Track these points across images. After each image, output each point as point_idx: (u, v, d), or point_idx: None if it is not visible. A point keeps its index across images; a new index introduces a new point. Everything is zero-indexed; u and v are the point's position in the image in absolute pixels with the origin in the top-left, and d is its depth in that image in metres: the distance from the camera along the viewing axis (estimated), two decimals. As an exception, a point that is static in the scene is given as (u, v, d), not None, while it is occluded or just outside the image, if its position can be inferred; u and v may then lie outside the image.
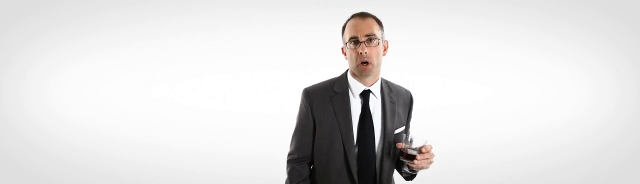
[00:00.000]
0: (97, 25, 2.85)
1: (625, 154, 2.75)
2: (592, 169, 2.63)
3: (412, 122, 1.17)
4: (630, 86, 2.88)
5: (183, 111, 2.94)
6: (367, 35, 0.96)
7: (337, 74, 1.11)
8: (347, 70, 1.08)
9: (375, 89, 1.04)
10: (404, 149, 0.95)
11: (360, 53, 0.96)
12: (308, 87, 1.09)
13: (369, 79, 1.03)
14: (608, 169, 2.62)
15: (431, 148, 0.95)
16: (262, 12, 2.87)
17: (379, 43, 0.98)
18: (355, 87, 1.03)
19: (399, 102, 1.08)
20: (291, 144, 1.11)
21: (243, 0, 2.86)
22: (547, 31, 2.90)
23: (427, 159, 0.94)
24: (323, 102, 1.04)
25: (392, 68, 2.56)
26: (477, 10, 2.88)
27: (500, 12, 2.88)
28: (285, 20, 2.87)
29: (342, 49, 1.06)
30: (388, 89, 1.08)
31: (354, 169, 1.01)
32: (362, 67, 0.98)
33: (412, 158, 0.93)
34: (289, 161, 1.10)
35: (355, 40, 0.97)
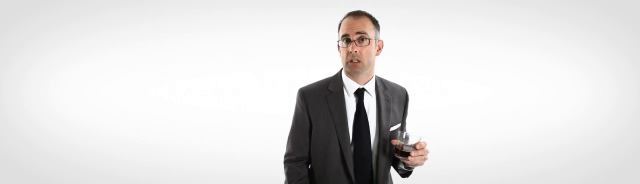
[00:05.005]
0: (97, 25, 2.86)
1: (625, 154, 2.75)
2: (592, 169, 2.62)
3: (409, 120, 1.18)
4: (630, 86, 2.88)
5: (183, 111, 2.94)
6: (358, 34, 0.96)
7: (336, 73, 1.11)
8: (342, 69, 1.08)
9: (370, 87, 1.05)
10: (399, 146, 0.96)
11: (350, 52, 0.97)
12: (303, 87, 1.09)
13: (363, 78, 1.03)
14: (608, 169, 2.62)
15: (426, 145, 0.96)
16: (262, 12, 2.87)
17: (370, 42, 0.98)
18: (350, 85, 1.04)
19: (394, 99, 1.08)
20: (287, 144, 1.11)
21: (243, 0, 2.86)
22: (547, 31, 2.90)
23: (421, 155, 0.95)
24: (318, 102, 1.04)
25: (392, 68, 2.57)
26: (477, 10, 2.88)
27: (500, 12, 2.88)
28: (285, 20, 2.87)
29: (338, 46, 1.06)
30: (383, 86, 1.08)
31: (351, 168, 1.01)
32: (352, 64, 0.98)
33: (407, 154, 0.94)
34: (286, 162, 1.10)
35: (346, 39, 0.98)
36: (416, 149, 0.94)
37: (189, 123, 2.93)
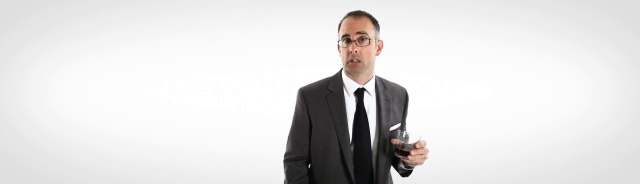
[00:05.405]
0: (97, 25, 2.86)
1: (625, 154, 2.75)
2: (592, 169, 2.62)
3: (409, 120, 1.18)
4: (630, 86, 2.88)
5: (183, 111, 2.94)
6: (358, 34, 0.96)
7: (336, 73, 1.11)
8: (342, 69, 1.08)
9: (370, 87, 1.05)
10: (399, 145, 0.97)
11: (351, 52, 0.97)
12: (303, 87, 1.10)
13: (363, 77, 1.04)
14: (608, 169, 2.62)
15: (425, 144, 0.96)
16: (262, 12, 2.87)
17: (370, 42, 0.98)
18: (350, 85, 1.04)
19: (394, 99, 1.09)
20: (287, 144, 1.12)
21: (243, 0, 2.86)
22: (547, 31, 2.90)
23: (421, 154, 0.96)
24: (318, 102, 1.04)
25: (392, 68, 2.57)
26: (477, 10, 2.88)
27: (500, 12, 2.88)
28: (285, 20, 2.87)
29: (338, 46, 1.06)
30: (383, 86, 1.09)
31: (351, 168, 1.01)
32: (352, 64, 0.99)
33: (407, 154, 0.95)
34: (286, 161, 1.11)
35: (347, 39, 0.98)
36: (416, 148, 0.95)
37: (189, 123, 2.93)
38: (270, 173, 2.13)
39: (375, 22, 1.01)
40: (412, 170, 1.09)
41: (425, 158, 0.98)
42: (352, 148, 1.02)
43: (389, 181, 1.12)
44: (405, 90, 1.15)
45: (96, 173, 2.60)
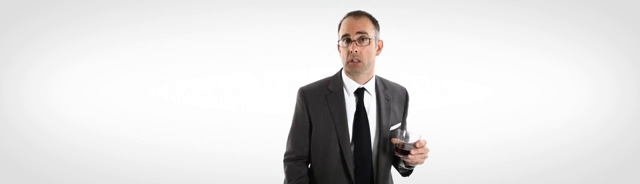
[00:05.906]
0: (97, 25, 2.86)
1: (625, 154, 2.75)
2: (592, 169, 2.62)
3: (409, 120, 1.18)
4: (630, 86, 2.88)
5: (183, 111, 2.94)
6: (358, 34, 0.97)
7: (336, 73, 1.11)
8: (342, 68, 1.08)
9: (370, 86, 1.05)
10: (399, 144, 0.97)
11: (351, 52, 0.97)
12: (303, 87, 1.10)
13: (363, 77, 1.04)
14: (608, 169, 2.62)
15: (425, 143, 0.96)
16: (262, 12, 2.87)
17: (370, 42, 0.98)
18: (350, 85, 1.04)
19: (394, 99, 1.09)
20: (287, 144, 1.12)
21: (243, 0, 2.86)
22: (547, 31, 2.90)
23: (421, 154, 0.96)
24: (318, 101, 1.04)
25: (392, 68, 2.57)
26: (477, 10, 2.88)
27: (500, 12, 2.88)
28: (285, 20, 2.87)
29: (338, 45, 1.07)
30: (383, 86, 1.09)
31: (351, 168, 1.01)
32: (352, 64, 0.99)
33: (407, 153, 0.95)
34: (286, 160, 1.11)
35: (347, 39, 0.99)
36: (416, 148, 0.95)
37: (189, 123, 2.93)
38: (270, 173, 2.13)
39: (375, 22, 1.02)
40: (412, 170, 1.09)
41: (425, 157, 0.98)
42: (352, 148, 1.02)
43: (389, 180, 1.12)
44: (406, 90, 1.15)
45: (96, 173, 2.60)
